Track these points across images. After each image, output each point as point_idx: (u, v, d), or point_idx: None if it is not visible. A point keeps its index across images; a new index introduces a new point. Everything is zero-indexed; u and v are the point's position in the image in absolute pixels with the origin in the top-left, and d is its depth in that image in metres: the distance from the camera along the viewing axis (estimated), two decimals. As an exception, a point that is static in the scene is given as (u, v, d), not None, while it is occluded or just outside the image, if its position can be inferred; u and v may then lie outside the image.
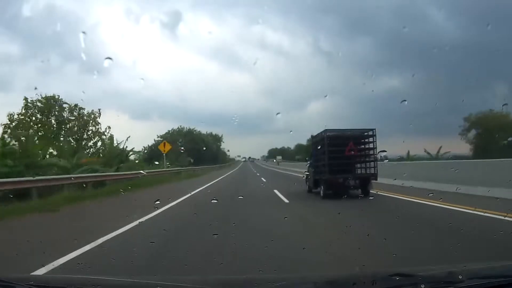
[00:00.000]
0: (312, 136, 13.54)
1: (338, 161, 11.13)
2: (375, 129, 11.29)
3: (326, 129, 11.69)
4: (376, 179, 11.19)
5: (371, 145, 11.49)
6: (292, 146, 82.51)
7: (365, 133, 11.76)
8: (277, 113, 13.70)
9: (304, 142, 45.85)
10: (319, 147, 12.02)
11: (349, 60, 72.57)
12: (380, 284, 1.64)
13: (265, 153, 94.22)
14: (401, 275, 1.61)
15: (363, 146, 11.75)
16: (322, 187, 11.70)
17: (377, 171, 11.18)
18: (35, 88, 43.23)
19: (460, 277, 1.55)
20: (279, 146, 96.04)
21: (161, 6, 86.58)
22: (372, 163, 11.31)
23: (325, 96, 17.98)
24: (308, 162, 13.98)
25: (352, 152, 11.25)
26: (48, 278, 2.62)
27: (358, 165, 11.47)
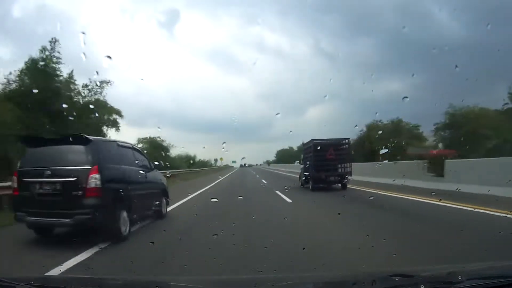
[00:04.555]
0: (303, 143, 16.57)
1: (321, 163, 14.00)
2: (349, 138, 15.35)
3: (313, 139, 14.88)
4: (350, 176, 14.13)
5: (346, 151, 14.82)
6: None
7: (342, 141, 15.10)
8: (277, 113, 14.18)
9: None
10: (308, 152, 15.04)
11: (349, 62, 72.32)
12: (380, 284, 1.62)
13: (268, 158, 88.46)
14: (401, 275, 1.60)
15: (340, 152, 14.64)
16: (310, 182, 14.47)
17: (351, 170, 14.07)
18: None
19: (460, 277, 1.54)
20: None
21: (157, 5, 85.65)
22: (347, 163, 14.16)
23: (325, 96, 18.04)
24: (301, 163, 16.71)
25: (332, 156, 14.13)
26: (48, 278, 2.60)
27: (337, 165, 14.23)
